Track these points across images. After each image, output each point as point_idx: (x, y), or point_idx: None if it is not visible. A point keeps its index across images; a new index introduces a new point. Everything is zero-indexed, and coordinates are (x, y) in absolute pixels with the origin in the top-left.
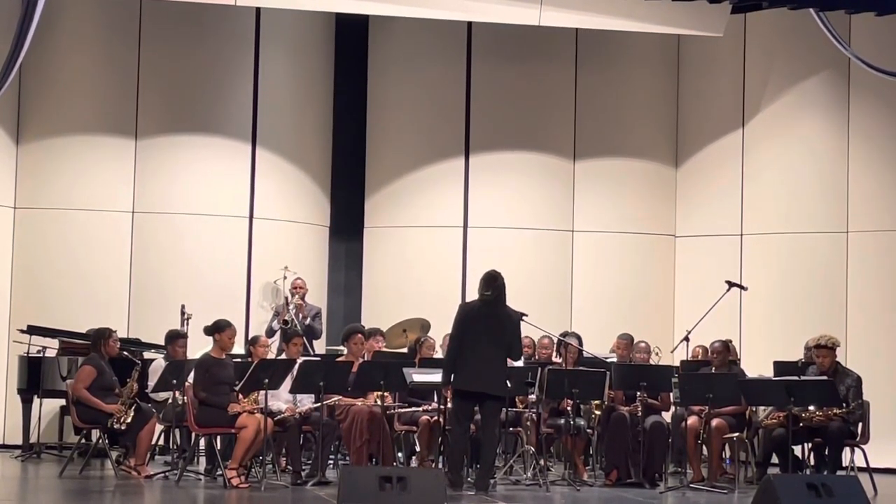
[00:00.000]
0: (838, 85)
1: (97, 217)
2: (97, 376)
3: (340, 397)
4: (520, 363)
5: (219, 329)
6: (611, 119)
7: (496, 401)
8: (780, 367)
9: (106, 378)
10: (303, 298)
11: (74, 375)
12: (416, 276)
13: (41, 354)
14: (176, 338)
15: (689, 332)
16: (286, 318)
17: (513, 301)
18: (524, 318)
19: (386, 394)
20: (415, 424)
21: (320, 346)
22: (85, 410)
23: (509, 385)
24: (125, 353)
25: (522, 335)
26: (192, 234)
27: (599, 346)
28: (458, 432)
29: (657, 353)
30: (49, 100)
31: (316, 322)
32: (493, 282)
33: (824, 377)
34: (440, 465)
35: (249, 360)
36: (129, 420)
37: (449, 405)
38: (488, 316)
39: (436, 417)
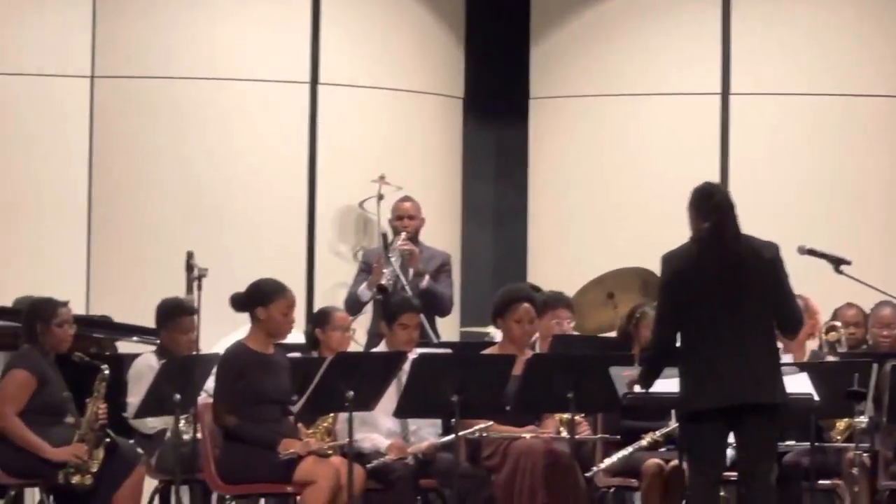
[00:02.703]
0: None
1: (38, 86)
2: (36, 389)
3: (492, 424)
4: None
5: (262, 298)
6: None
7: (764, 416)
8: None
9: (51, 392)
10: (415, 237)
11: None
12: (634, 189)
13: None
14: (177, 314)
15: None
16: (385, 274)
17: (812, 235)
18: (843, 267)
19: (578, 416)
20: (634, 473)
21: (451, 327)
22: (15, 454)
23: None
24: (78, 354)
25: (840, 304)
26: (204, 117)
27: None
28: (700, 485)
29: None
30: None
31: (442, 282)
32: (708, 201)
33: None
34: None
35: (316, 354)
36: (94, 470)
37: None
38: (720, 266)
39: (674, 461)
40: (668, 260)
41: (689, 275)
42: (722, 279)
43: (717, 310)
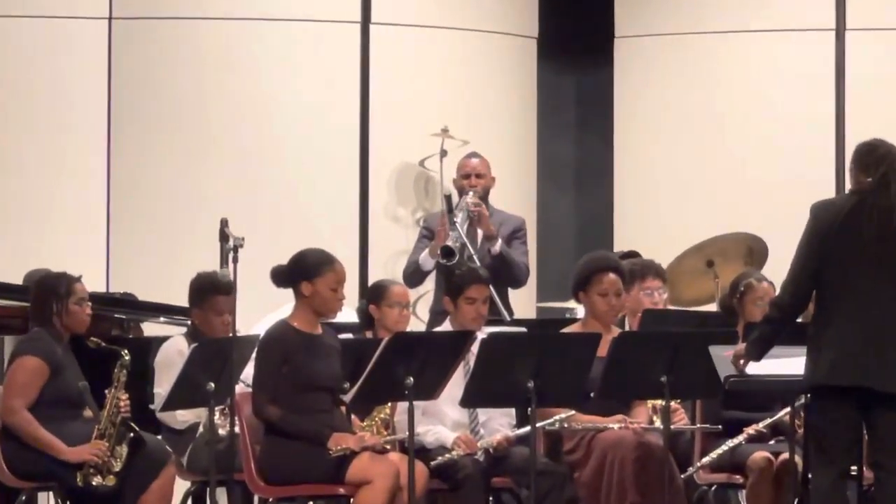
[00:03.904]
0: None
1: (52, 29)
2: (49, 379)
3: (574, 413)
4: None
5: (307, 271)
6: None
7: None
8: None
9: (66, 381)
10: (485, 197)
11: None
12: (736, 140)
13: None
14: (211, 291)
15: None
16: (450, 238)
17: None
18: None
19: (674, 403)
20: (738, 468)
21: (526, 302)
22: (26, 454)
23: None
24: (94, 339)
25: None
26: (238, 63)
27: None
28: (826, 476)
29: None
30: None
31: (516, 250)
32: (872, 154)
33: None
34: None
35: (370, 334)
36: (116, 469)
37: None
38: (879, 227)
39: (784, 453)
40: (819, 210)
41: (840, 230)
42: (877, 242)
43: (864, 276)
